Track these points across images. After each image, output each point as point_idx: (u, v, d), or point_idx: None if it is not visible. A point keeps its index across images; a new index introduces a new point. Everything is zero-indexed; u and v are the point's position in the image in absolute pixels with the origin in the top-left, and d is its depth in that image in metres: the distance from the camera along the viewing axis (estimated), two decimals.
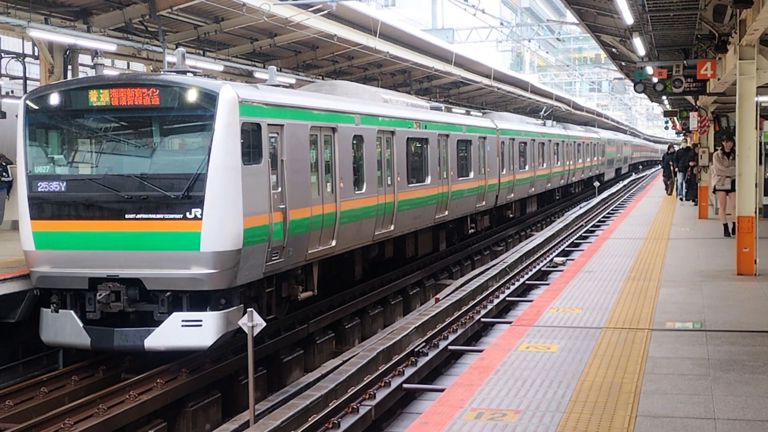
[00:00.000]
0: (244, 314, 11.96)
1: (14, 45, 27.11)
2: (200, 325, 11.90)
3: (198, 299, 12.10)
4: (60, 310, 12.42)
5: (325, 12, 21.81)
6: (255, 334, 10.96)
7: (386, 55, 28.32)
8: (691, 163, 29.43)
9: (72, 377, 12.51)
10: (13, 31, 19.70)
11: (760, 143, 19.68)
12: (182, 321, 11.92)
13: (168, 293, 12.02)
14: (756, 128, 14.93)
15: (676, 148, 39.80)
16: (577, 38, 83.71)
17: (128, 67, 29.73)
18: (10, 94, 26.61)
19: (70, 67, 20.59)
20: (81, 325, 12.28)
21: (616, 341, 9.62)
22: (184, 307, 12.05)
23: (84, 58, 23.31)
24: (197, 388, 12.37)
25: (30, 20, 17.93)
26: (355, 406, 10.63)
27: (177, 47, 16.82)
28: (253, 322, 10.80)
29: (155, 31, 20.52)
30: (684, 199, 30.82)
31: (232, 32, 22.93)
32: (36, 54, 22.57)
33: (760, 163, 19.60)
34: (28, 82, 24.86)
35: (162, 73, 14.38)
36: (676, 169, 32.90)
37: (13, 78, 26.97)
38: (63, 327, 12.38)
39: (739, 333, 10.01)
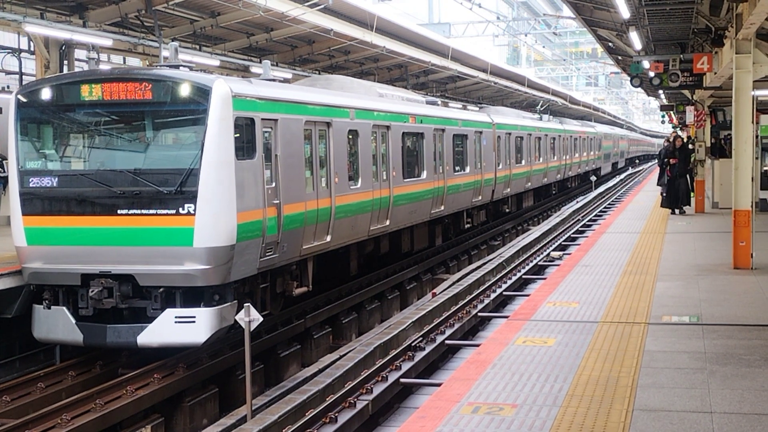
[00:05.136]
0: (238, 310, 11.98)
1: (10, 40, 27.07)
2: (194, 322, 11.82)
3: (191, 295, 12.01)
4: (52, 307, 12.33)
5: (321, 6, 21.76)
6: (252, 329, 10.96)
7: (383, 49, 28.29)
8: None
9: (69, 373, 12.50)
10: (9, 26, 19.66)
11: (757, 137, 19.74)
12: (175, 317, 11.84)
13: (161, 289, 11.95)
14: (752, 122, 14.95)
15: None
16: (574, 32, 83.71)
17: (124, 62, 29.71)
18: (6, 89, 26.57)
19: (66, 62, 20.54)
20: (73, 321, 12.20)
21: (612, 335, 9.63)
22: (178, 303, 11.97)
23: (80, 53, 23.26)
24: (194, 383, 12.36)
25: (26, 15, 17.89)
26: (352, 401, 10.63)
27: (173, 42, 16.79)
28: (250, 317, 10.79)
29: (151, 26, 20.47)
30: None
31: (228, 27, 22.88)
32: (32, 49, 22.53)
33: (757, 157, 19.66)
34: (24, 77, 24.82)
35: (155, 67, 14.31)
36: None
37: (9, 73, 26.92)
38: (55, 323, 12.30)
39: (735, 327, 10.03)
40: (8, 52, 25.37)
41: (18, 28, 19.42)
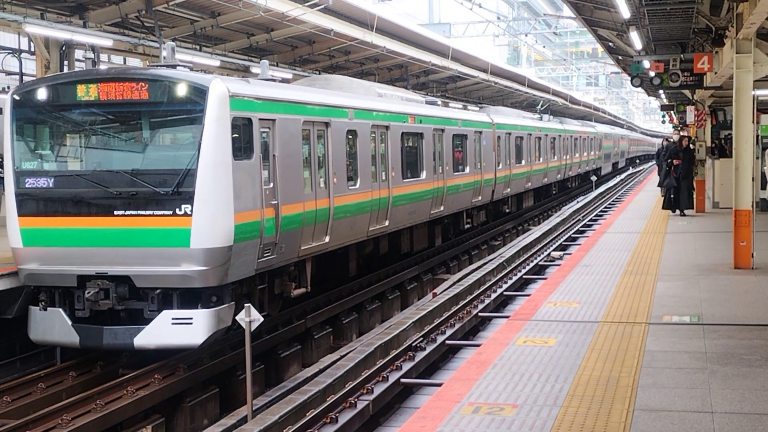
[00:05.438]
0: (235, 312, 11.94)
1: (10, 41, 27.08)
2: (191, 323, 11.73)
3: (188, 297, 11.93)
4: (48, 308, 12.24)
5: (322, 7, 21.75)
6: (252, 330, 10.94)
7: (383, 49, 28.29)
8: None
9: (70, 373, 12.49)
10: (9, 26, 19.65)
11: (757, 136, 19.74)
12: (172, 319, 11.75)
13: (158, 291, 11.85)
14: (753, 122, 14.95)
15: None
16: (574, 32, 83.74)
17: (125, 62, 29.71)
18: (7, 90, 26.54)
19: (66, 62, 20.54)
20: (70, 323, 12.11)
21: (613, 335, 9.63)
22: (175, 305, 11.88)
23: (81, 54, 23.27)
24: (195, 384, 12.35)
25: (26, 16, 17.89)
26: (353, 401, 10.63)
27: (169, 42, 16.76)
28: (250, 317, 10.78)
29: (151, 26, 20.47)
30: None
31: (228, 27, 22.89)
32: (32, 50, 22.53)
33: (757, 156, 19.66)
34: (24, 77, 24.82)
35: (152, 67, 14.23)
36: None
37: (9, 74, 26.93)
38: (52, 325, 12.21)
39: (736, 326, 10.03)
40: (9, 53, 25.37)
41: (18, 28, 19.42)
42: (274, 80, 15.43)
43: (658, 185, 25.65)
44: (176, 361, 12.49)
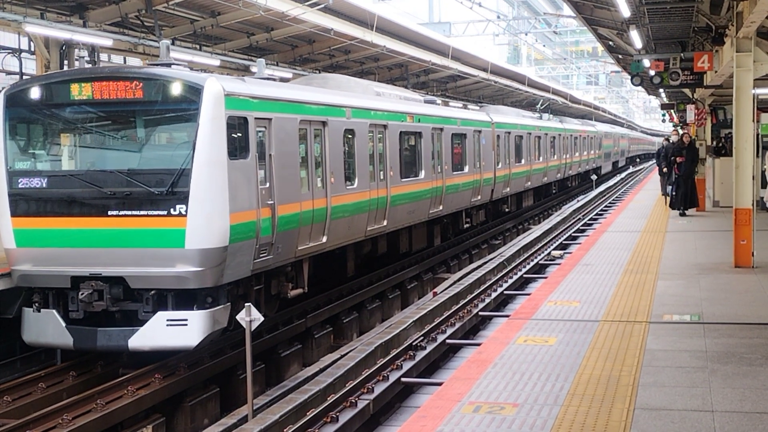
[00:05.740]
0: (232, 313, 11.90)
1: (10, 40, 27.06)
2: (186, 325, 11.63)
3: (183, 298, 11.83)
4: (42, 310, 12.13)
5: (322, 6, 21.73)
6: (252, 329, 10.93)
7: (383, 49, 28.27)
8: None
9: (70, 373, 12.49)
10: (9, 26, 19.63)
11: (757, 135, 19.74)
12: (167, 320, 11.64)
13: (152, 292, 11.76)
14: (753, 120, 14.95)
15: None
16: (574, 31, 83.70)
17: (125, 62, 29.70)
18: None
19: (66, 62, 20.53)
20: (63, 324, 12.02)
21: (613, 334, 9.63)
22: (169, 306, 11.77)
23: (81, 53, 23.25)
24: (195, 383, 12.35)
25: (26, 15, 17.88)
26: (353, 400, 10.63)
27: (173, 42, 16.75)
28: (251, 317, 10.77)
29: (151, 25, 20.46)
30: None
31: (228, 27, 22.87)
32: (32, 49, 22.52)
33: (757, 155, 19.66)
34: (24, 77, 24.79)
35: (146, 66, 14.13)
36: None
37: (9, 74, 26.90)
38: (45, 327, 12.13)
39: (736, 325, 10.03)
40: (8, 53, 25.34)
41: (18, 28, 19.39)
42: (273, 79, 15.38)
43: (669, 183, 25.23)
44: (176, 360, 12.48)
